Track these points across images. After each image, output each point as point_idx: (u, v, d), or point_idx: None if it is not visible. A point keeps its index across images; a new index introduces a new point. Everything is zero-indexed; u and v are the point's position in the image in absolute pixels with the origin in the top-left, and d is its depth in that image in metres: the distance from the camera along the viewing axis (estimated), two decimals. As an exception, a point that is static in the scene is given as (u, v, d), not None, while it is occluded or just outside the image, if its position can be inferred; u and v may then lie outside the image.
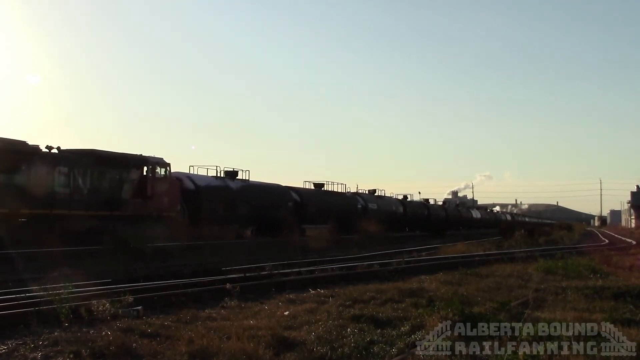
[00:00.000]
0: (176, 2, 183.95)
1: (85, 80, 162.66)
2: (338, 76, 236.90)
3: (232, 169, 28.22)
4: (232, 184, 27.33)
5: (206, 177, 26.43)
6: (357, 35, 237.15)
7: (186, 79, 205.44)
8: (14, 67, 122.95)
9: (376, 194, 43.56)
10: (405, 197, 49.42)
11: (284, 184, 32.88)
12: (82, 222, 17.87)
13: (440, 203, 64.54)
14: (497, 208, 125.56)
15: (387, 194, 47.90)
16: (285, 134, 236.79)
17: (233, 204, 26.36)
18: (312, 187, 36.34)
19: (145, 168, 21.23)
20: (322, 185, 37.32)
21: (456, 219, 58.87)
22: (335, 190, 38.55)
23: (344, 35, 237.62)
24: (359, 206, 38.68)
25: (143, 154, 21.33)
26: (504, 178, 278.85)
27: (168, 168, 22.16)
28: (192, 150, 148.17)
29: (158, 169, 21.66)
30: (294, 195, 32.24)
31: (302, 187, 35.32)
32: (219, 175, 27.23)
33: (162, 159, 21.85)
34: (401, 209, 45.23)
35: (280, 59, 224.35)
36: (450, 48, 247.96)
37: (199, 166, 27.07)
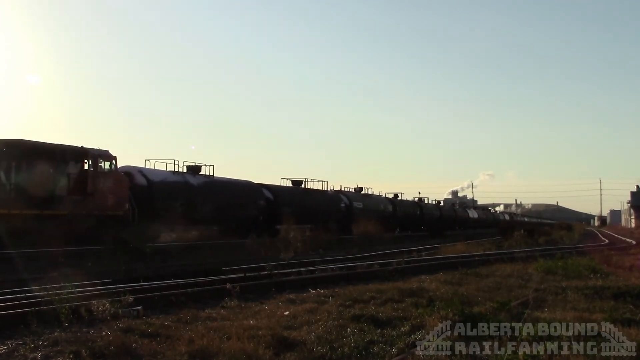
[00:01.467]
0: (176, 2, 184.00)
1: (85, 80, 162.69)
2: (338, 76, 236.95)
3: (193, 163, 25.46)
4: (192, 180, 24.70)
5: (162, 171, 23.77)
6: (357, 35, 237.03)
7: (185, 79, 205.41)
8: (14, 67, 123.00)
9: (363, 192, 41.20)
10: (396, 195, 47.00)
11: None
12: (4, 222, 15.75)
13: (441, 203, 64.20)
14: (501, 207, 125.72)
15: (383, 194, 46.35)
16: (286, 134, 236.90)
17: (193, 203, 23.80)
18: (290, 185, 33.59)
19: (85, 161, 19.02)
20: (301, 182, 34.04)
21: (451, 219, 57.11)
22: (317, 188, 35.41)
23: (343, 35, 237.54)
24: (343, 205, 36.44)
25: (85, 146, 19.11)
26: (505, 178, 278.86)
27: (114, 162, 19.96)
28: (192, 150, 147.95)
29: (101, 163, 19.42)
30: (267, 193, 29.58)
31: (277, 184, 32.44)
32: (179, 170, 24.48)
33: (107, 151, 19.74)
34: (390, 208, 42.89)
35: (279, 58, 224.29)
36: (450, 48, 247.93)
37: (157, 160, 24.31)
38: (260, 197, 28.75)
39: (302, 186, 33.99)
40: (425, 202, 54.51)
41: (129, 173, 21.65)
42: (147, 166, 23.52)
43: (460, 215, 61.63)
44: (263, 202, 28.71)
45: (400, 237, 32.84)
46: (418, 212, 48.37)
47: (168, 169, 23.95)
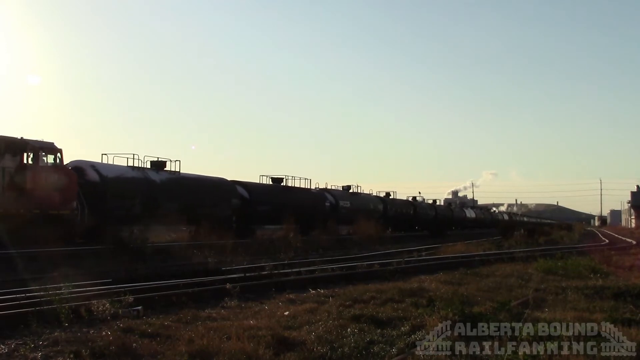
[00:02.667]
0: (176, 2, 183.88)
1: (85, 80, 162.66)
2: (338, 77, 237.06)
3: (156, 158, 23.46)
4: (154, 176, 22.66)
5: (118, 167, 21.68)
6: (357, 35, 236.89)
7: (185, 79, 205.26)
8: (14, 67, 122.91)
9: (351, 191, 39.17)
10: (387, 194, 45.09)
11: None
12: None
13: (441, 203, 63.84)
14: (505, 207, 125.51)
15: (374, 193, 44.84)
16: (287, 134, 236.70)
17: (155, 201, 21.75)
18: (270, 182, 31.52)
19: (25, 155, 17.36)
20: (281, 180, 31.83)
21: (448, 219, 54.93)
22: (300, 186, 33.23)
23: (343, 34, 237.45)
24: (327, 204, 34.43)
25: (24, 137, 17.56)
26: (509, 178, 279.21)
27: (59, 155, 18.17)
28: (193, 150, 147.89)
29: (44, 156, 17.76)
30: (241, 190, 27.50)
31: (254, 181, 30.34)
32: (141, 165, 22.57)
33: (51, 143, 18.10)
34: (381, 208, 40.92)
35: (279, 58, 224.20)
36: (450, 48, 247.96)
37: (115, 154, 21.97)
38: (233, 195, 26.75)
39: (283, 184, 31.91)
40: (423, 201, 52.92)
41: (79, 168, 19.90)
42: (105, 161, 21.47)
43: (457, 215, 59.93)
44: (237, 201, 26.67)
45: (393, 237, 30.45)
46: (411, 212, 46.54)
47: (130, 164, 22.08)
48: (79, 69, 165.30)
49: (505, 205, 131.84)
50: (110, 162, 21.62)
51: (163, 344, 5.82)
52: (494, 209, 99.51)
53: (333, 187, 38.07)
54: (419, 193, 55.85)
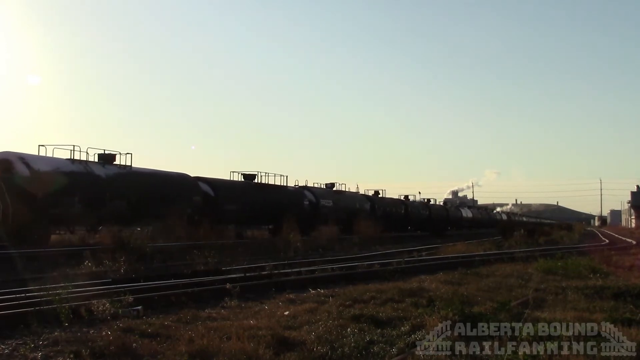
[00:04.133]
0: (176, 2, 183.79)
1: (85, 80, 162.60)
2: (338, 77, 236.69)
3: (103, 151, 21.36)
4: (99, 170, 20.38)
5: (54, 159, 19.41)
6: (357, 35, 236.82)
7: (185, 79, 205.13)
8: (14, 67, 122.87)
9: (335, 189, 37.20)
10: (376, 192, 43.25)
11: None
12: None
13: (440, 202, 63.52)
14: (509, 207, 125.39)
15: (389, 195, 44.18)
16: (290, 133, 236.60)
17: (99, 198, 19.64)
18: (242, 179, 29.34)
19: None
20: (254, 176, 29.52)
21: (442, 219, 53.13)
22: (276, 183, 31.07)
23: (343, 34, 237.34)
24: (306, 203, 32.23)
25: None
26: (509, 178, 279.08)
27: None
28: (192, 150, 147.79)
29: None
30: (205, 187, 25.48)
31: (221, 178, 28.12)
32: (86, 158, 20.35)
33: None
34: (368, 207, 38.91)
35: (278, 58, 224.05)
36: (450, 48, 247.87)
37: (55, 146, 19.69)
38: (195, 193, 24.58)
39: (257, 181, 29.62)
40: (415, 201, 51.58)
41: (5, 161, 17.75)
42: (43, 153, 19.23)
43: (452, 215, 58.12)
44: (199, 198, 24.55)
45: (383, 238, 28.15)
46: (402, 211, 44.49)
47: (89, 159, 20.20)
48: (79, 69, 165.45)
49: (510, 206, 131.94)
50: (50, 154, 19.40)
51: (163, 344, 5.82)
52: (498, 208, 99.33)
53: (316, 185, 36.07)
54: (419, 193, 55.85)
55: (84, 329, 6.51)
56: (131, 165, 21.99)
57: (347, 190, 39.11)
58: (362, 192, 43.04)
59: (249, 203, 26.91)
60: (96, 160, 21.15)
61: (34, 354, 5.49)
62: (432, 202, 57.03)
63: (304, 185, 35.00)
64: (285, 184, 31.82)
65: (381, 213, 39.60)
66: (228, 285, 9.14)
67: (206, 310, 7.86)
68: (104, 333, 6.18)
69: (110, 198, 20.22)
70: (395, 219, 41.50)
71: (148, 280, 10.63)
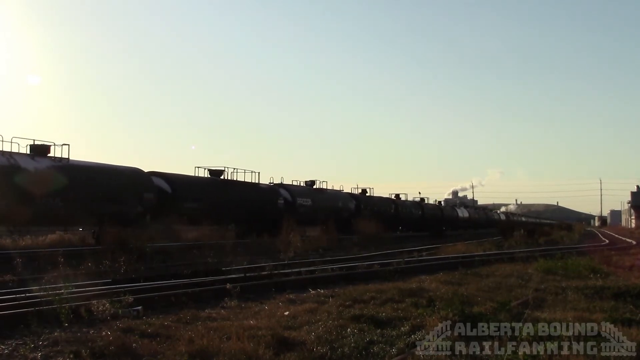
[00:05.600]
0: (176, 3, 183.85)
1: (85, 80, 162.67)
2: (339, 76, 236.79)
3: (33, 141, 19.05)
4: (27, 164, 18.07)
5: None
6: (357, 35, 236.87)
7: (184, 79, 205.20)
8: (14, 67, 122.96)
9: (316, 187, 34.59)
10: (364, 191, 41.05)
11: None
12: None
13: (440, 202, 63.18)
14: (512, 207, 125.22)
15: (383, 194, 42.67)
16: (288, 133, 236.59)
17: (27, 195, 17.53)
18: (207, 176, 26.96)
19: None
20: (221, 172, 27.09)
21: (436, 219, 50.62)
22: (247, 180, 28.46)
23: (343, 34, 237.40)
24: (281, 201, 29.84)
25: None
26: (510, 178, 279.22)
27: None
28: (192, 150, 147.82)
29: None
30: (160, 182, 23.01)
31: (181, 173, 25.68)
32: (12, 149, 18.00)
33: None
34: (353, 206, 36.68)
35: (279, 59, 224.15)
36: (450, 48, 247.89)
37: None
38: (147, 189, 22.14)
39: (223, 177, 27.23)
40: (407, 200, 48.65)
41: None
42: None
43: (447, 215, 55.51)
44: (152, 196, 22.07)
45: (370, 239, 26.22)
46: (392, 211, 41.95)
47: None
48: (79, 69, 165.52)
49: (512, 206, 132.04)
50: None
51: (163, 344, 5.81)
52: (503, 208, 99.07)
53: (295, 183, 33.43)
54: (419, 193, 55.41)
55: (84, 329, 6.51)
56: (68, 158, 19.54)
57: (331, 188, 36.62)
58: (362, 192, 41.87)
59: (213, 201, 24.51)
60: (28, 152, 18.91)
61: (34, 354, 5.49)
62: (434, 202, 56.21)
63: (280, 183, 32.00)
64: (257, 181, 29.31)
65: (368, 213, 36.70)
66: (228, 286, 9.14)
67: (206, 311, 7.86)
68: (104, 333, 6.17)
69: (41, 195, 17.87)
70: (385, 219, 37.18)
71: (148, 281, 10.63)
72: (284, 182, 32.23)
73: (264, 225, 25.15)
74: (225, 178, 27.35)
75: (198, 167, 26.83)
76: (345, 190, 38.79)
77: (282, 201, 30.00)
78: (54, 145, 19.24)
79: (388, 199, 44.48)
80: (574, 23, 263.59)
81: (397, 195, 47.17)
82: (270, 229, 23.94)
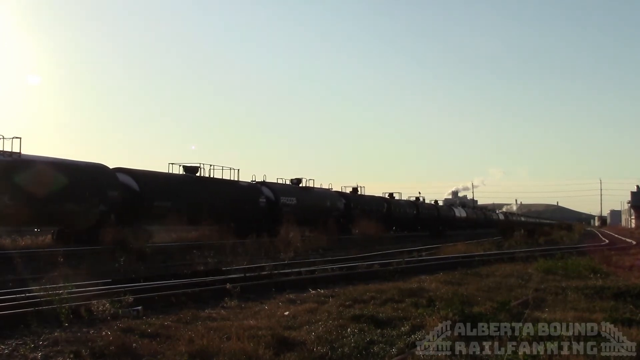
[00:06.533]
0: (176, 3, 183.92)
1: (85, 80, 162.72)
2: (338, 76, 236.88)
3: None
4: None
5: None
6: (357, 35, 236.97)
7: (184, 79, 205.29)
8: (14, 67, 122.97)
9: (302, 185, 33.15)
10: (354, 190, 39.69)
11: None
12: None
13: (439, 202, 62.97)
14: (513, 207, 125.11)
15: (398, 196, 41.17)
16: (288, 133, 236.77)
17: None
18: (182, 172, 25.23)
19: None
20: (196, 169, 25.51)
21: (432, 219, 49.55)
22: (226, 178, 26.82)
23: (344, 34, 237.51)
24: (263, 200, 28.38)
25: None
26: (510, 178, 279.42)
27: None
28: (192, 150, 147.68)
29: None
30: (126, 179, 21.44)
31: (151, 170, 24.04)
32: None
33: None
34: (342, 205, 35.52)
35: (278, 58, 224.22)
36: (450, 48, 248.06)
37: None
38: (111, 187, 20.54)
39: (198, 174, 25.65)
40: (400, 199, 47.05)
41: None
42: None
43: (444, 214, 54.50)
44: (116, 194, 20.52)
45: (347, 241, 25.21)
46: (384, 210, 40.81)
47: None
48: (79, 69, 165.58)
49: (514, 206, 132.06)
50: None
51: (163, 344, 5.81)
52: (505, 208, 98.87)
53: (280, 181, 32.12)
54: (419, 193, 55.08)
55: (84, 329, 6.51)
56: (20, 153, 17.93)
57: (319, 187, 35.16)
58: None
59: (187, 200, 22.95)
60: None
61: (34, 354, 5.49)
62: (430, 202, 55.77)
63: (262, 181, 30.31)
64: (237, 179, 27.61)
65: (358, 212, 35.56)
66: (228, 286, 9.13)
67: (206, 311, 7.86)
68: (104, 333, 6.17)
69: None
70: (376, 218, 35.37)
71: (148, 281, 10.63)
72: (267, 180, 30.69)
73: (243, 226, 23.49)
74: (201, 175, 25.83)
75: (172, 164, 25.11)
76: (334, 189, 37.40)
77: (264, 200, 28.59)
78: (3, 138, 17.55)
79: (380, 198, 43.23)
80: (574, 23, 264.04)
81: (391, 194, 45.76)
82: (252, 230, 22.57)
